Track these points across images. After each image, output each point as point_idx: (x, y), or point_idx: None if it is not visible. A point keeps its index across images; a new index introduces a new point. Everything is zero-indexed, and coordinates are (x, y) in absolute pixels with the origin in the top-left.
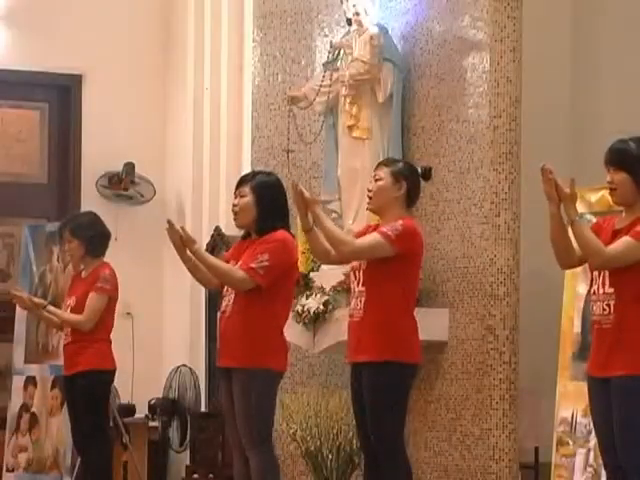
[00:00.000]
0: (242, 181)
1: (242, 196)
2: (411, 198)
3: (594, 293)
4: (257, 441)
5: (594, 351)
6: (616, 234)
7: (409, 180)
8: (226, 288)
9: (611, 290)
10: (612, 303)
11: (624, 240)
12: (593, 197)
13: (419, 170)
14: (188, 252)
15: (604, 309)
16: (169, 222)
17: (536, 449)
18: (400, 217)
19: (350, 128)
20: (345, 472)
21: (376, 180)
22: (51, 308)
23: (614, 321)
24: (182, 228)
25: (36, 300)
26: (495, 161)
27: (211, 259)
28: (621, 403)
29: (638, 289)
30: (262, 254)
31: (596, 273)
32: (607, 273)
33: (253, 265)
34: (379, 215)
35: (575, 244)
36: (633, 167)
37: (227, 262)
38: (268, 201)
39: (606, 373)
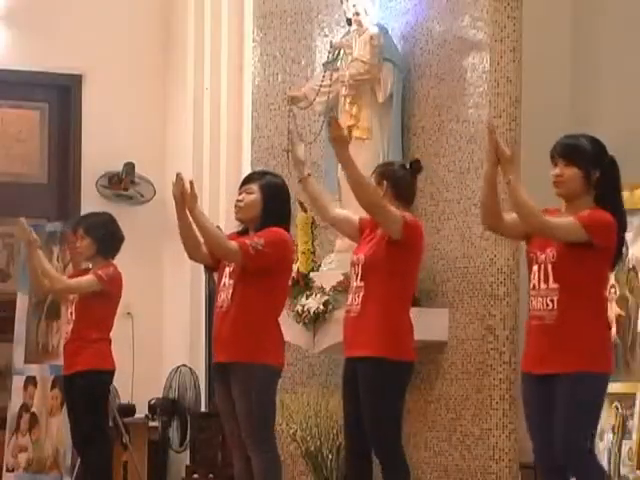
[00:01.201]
0: (250, 178)
1: (249, 193)
2: (401, 196)
3: (534, 287)
4: (259, 439)
5: (532, 347)
6: None
7: (389, 178)
8: (222, 283)
9: (555, 285)
10: (556, 299)
11: (567, 219)
12: None
13: (407, 166)
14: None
15: (547, 304)
16: (178, 175)
17: None
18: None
19: (350, 128)
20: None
21: None
22: (41, 253)
23: (557, 317)
24: (191, 183)
25: (34, 236)
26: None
27: (208, 222)
28: (566, 400)
29: (582, 285)
30: (258, 238)
31: (536, 267)
32: (550, 268)
33: (247, 241)
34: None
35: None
36: (585, 163)
37: None
38: (273, 202)
39: (547, 370)
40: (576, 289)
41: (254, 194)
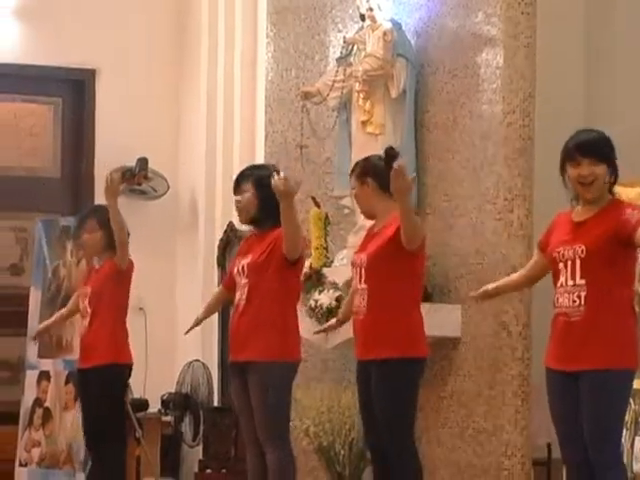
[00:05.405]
0: (241, 179)
1: (244, 191)
2: (386, 187)
3: (561, 285)
4: (275, 436)
5: (558, 344)
6: (578, 226)
7: (372, 174)
8: (237, 281)
9: (582, 282)
10: (583, 295)
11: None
12: None
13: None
14: None
15: (574, 301)
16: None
17: (549, 445)
18: (392, 209)
19: (363, 123)
20: (358, 467)
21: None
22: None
23: (585, 313)
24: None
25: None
26: (508, 157)
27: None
28: (594, 398)
29: (611, 281)
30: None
31: (562, 265)
32: (578, 264)
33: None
34: (372, 218)
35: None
36: (610, 158)
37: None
38: (268, 195)
39: (576, 367)
40: (604, 285)
41: (248, 192)
